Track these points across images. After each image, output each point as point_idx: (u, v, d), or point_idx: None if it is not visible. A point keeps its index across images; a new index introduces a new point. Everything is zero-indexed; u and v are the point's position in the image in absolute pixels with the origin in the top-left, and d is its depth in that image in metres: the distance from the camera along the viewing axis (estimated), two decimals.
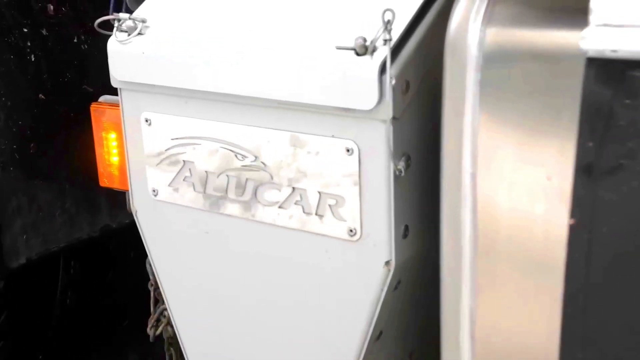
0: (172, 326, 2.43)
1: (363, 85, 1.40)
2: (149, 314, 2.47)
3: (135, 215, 1.84)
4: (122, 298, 3.07)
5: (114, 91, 1.87)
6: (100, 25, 1.68)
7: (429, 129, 1.51)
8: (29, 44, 2.48)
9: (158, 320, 2.42)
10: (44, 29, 2.53)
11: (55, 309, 2.90)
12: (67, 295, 2.93)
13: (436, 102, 1.51)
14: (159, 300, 2.45)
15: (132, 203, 1.83)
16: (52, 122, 2.54)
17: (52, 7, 2.56)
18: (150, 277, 2.38)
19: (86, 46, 2.64)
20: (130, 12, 2.14)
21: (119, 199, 2.59)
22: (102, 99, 1.91)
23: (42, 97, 2.51)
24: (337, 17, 1.53)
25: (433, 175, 1.54)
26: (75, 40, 2.61)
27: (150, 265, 2.36)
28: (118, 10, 2.22)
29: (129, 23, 1.68)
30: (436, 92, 1.52)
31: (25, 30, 2.48)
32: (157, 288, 2.43)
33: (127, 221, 2.74)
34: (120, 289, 3.07)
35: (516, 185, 1.31)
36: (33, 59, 2.49)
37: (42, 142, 2.51)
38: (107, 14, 2.71)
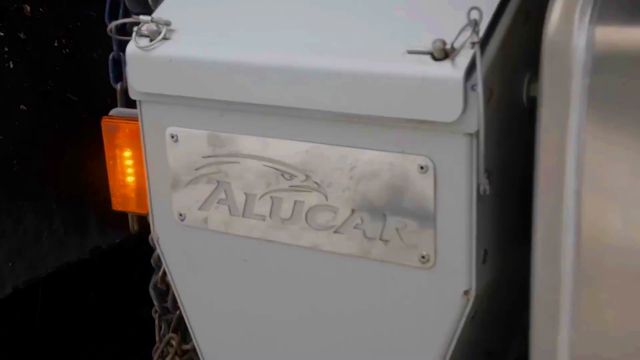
0: (179, 356, 2.24)
1: (445, 94, 1.23)
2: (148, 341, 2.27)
3: (157, 242, 1.63)
4: (114, 323, 2.85)
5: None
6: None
7: (508, 141, 1.36)
8: (6, 49, 2.24)
9: (163, 351, 2.22)
10: (22, 32, 2.29)
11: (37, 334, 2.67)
12: (49, 318, 2.70)
13: (515, 110, 1.36)
14: (163, 327, 2.26)
15: (153, 228, 1.62)
16: (36, 135, 2.30)
17: (28, 7, 2.32)
18: (155, 303, 2.19)
19: (67, 50, 2.40)
20: (128, 13, 1.93)
21: (108, 217, 2.37)
22: (113, 112, 1.68)
23: (24, 108, 2.26)
24: (394, 19, 1.36)
25: (510, 192, 1.39)
26: (55, 44, 2.37)
27: (154, 290, 2.16)
28: (113, 12, 2.01)
29: (151, 26, 1.47)
30: (513, 100, 1.36)
31: (2, 33, 2.24)
32: (162, 315, 2.23)
33: (117, 240, 2.51)
34: (115, 313, 2.84)
35: (631, 205, 1.16)
36: (12, 66, 2.24)
37: (25, 158, 2.27)
38: (89, 14, 2.51)
